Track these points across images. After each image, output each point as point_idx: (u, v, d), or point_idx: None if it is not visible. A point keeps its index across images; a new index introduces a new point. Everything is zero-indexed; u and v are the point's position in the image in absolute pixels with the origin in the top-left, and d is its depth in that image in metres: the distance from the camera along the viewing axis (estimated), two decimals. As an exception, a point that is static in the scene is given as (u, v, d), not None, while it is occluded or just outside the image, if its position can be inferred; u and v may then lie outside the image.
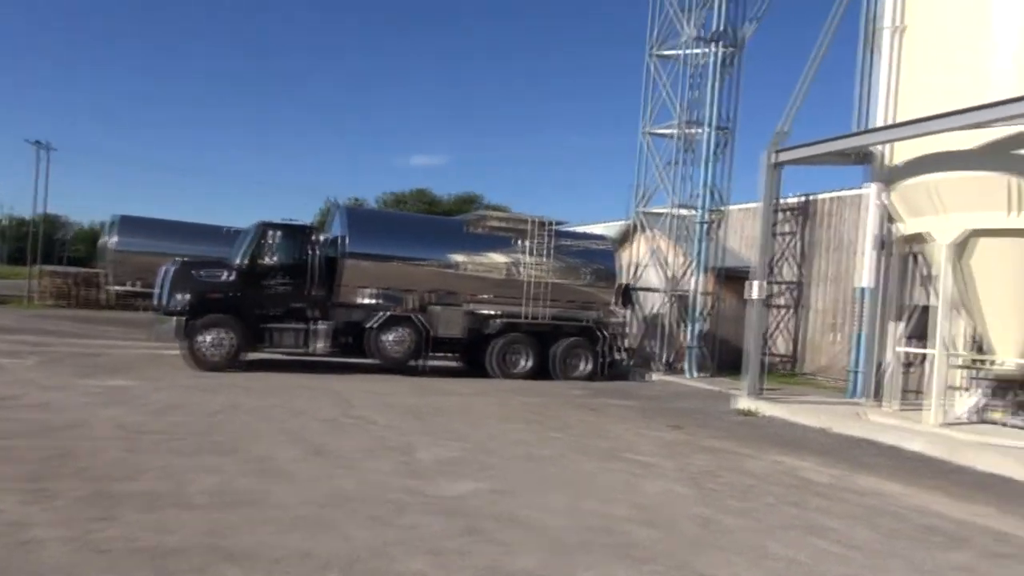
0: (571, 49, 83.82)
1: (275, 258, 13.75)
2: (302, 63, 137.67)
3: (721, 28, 18.40)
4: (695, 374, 17.45)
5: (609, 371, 16.42)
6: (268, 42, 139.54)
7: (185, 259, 14.26)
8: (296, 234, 14.12)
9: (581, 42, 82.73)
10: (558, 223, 16.58)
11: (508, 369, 15.38)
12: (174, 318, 12.96)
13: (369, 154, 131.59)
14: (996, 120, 9.34)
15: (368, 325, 14.20)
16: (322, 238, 14.80)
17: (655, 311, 19.24)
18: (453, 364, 16.28)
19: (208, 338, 12.97)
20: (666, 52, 19.44)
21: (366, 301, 14.48)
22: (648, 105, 19.69)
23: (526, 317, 15.60)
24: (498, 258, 15.81)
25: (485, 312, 15.51)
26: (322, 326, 13.79)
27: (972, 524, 6.16)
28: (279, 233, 13.91)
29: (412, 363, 14.77)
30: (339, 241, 14.39)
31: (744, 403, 12.24)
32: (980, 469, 8.40)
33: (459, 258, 15.40)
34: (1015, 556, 5.42)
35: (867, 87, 12.12)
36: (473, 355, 15.67)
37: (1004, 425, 10.57)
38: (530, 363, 15.53)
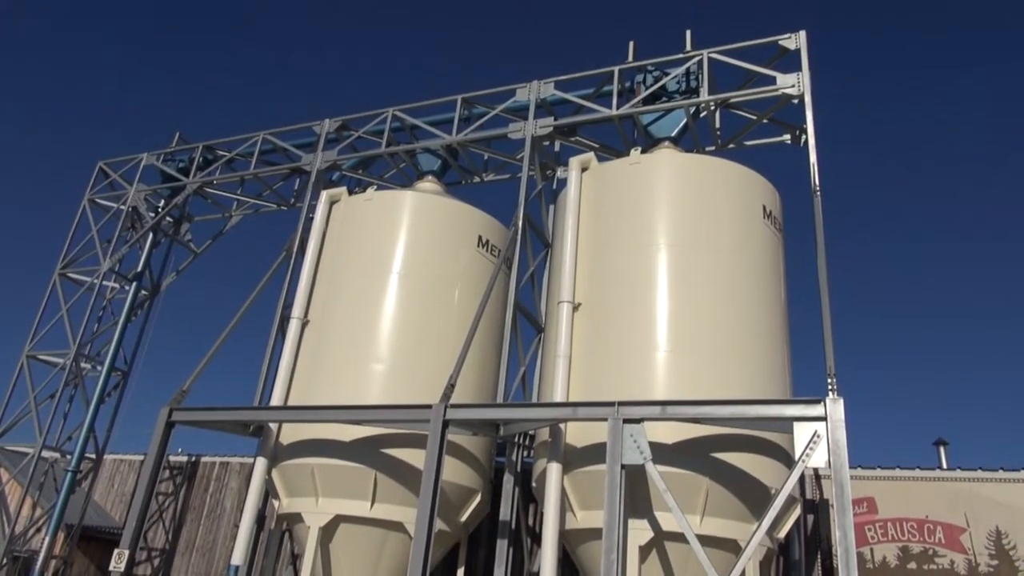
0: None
1: None
2: None
3: (140, 270, 18.11)
4: (15, 662, 14.05)
5: None
6: None
7: None
8: None
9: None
10: None
11: None
12: None
13: None
14: (370, 420, 10.91)
15: None
16: None
17: (-21, 576, 15.38)
18: None
19: None
20: (77, 275, 18.01)
21: None
22: (41, 325, 17.50)
23: None
24: None
25: None
26: None
27: None
28: None
29: None
30: None
31: None
32: None
33: None
34: None
35: (273, 366, 12.98)
36: None
37: None
38: None
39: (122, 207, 18.17)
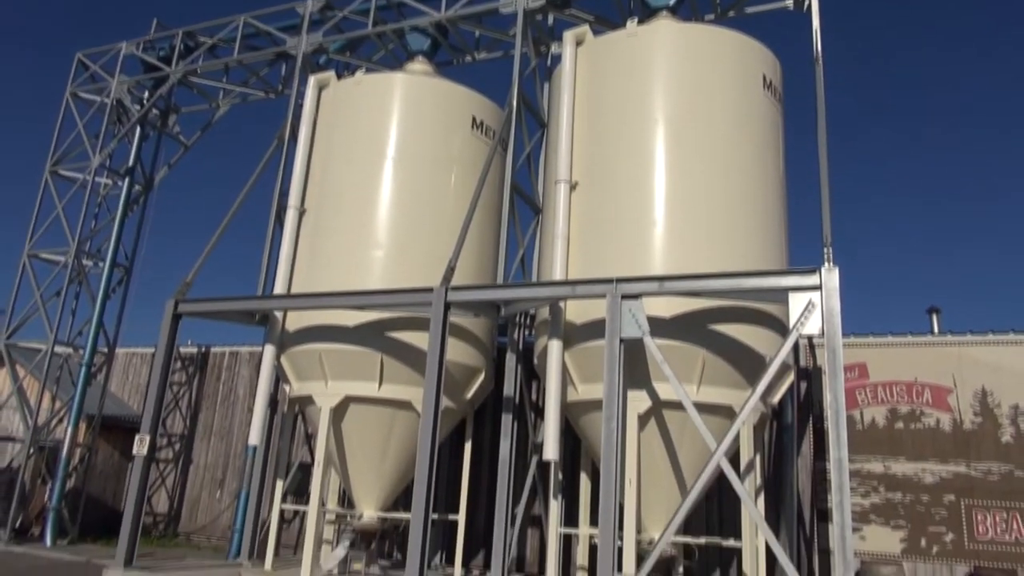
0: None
1: None
2: None
3: (131, 164, 17.88)
4: (55, 542, 14.93)
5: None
6: None
7: None
8: None
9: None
10: None
11: None
12: None
13: None
14: (372, 305, 11.12)
15: None
16: None
17: (10, 464, 16.12)
18: None
19: None
20: (68, 173, 17.81)
21: None
22: (38, 224, 17.47)
23: None
24: None
25: None
26: None
27: None
28: None
29: None
30: None
31: (114, 575, 10.92)
32: (343, 622, 9.13)
33: None
34: None
35: (273, 256, 13.06)
36: None
37: (365, 574, 11.83)
38: None
39: (106, 100, 17.75)
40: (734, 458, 9.51)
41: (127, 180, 17.74)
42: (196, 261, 12.83)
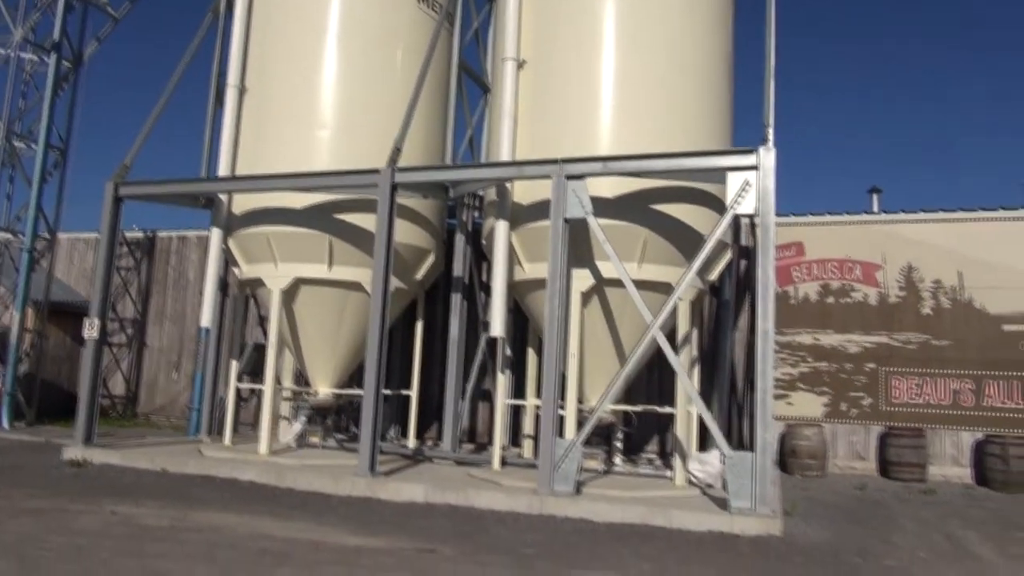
0: None
1: None
2: None
3: (57, 39, 16.84)
4: (12, 424, 15.13)
5: None
6: None
7: None
8: None
9: None
10: None
11: None
12: None
13: None
14: (318, 187, 11.05)
15: None
16: None
17: (-42, 351, 16.02)
18: None
19: None
20: (-9, 49, 16.73)
21: None
22: (-38, 105, 16.54)
23: None
24: None
25: None
26: None
27: (295, 540, 7.07)
28: None
29: None
30: None
31: (74, 453, 11.23)
32: (302, 489, 9.65)
33: None
34: (329, 561, 6.44)
35: (214, 137, 12.75)
36: None
37: (321, 447, 12.39)
38: None
39: (22, -35, 16.47)
40: (672, 332, 9.99)
41: (54, 56, 16.73)
42: (135, 142, 12.46)
